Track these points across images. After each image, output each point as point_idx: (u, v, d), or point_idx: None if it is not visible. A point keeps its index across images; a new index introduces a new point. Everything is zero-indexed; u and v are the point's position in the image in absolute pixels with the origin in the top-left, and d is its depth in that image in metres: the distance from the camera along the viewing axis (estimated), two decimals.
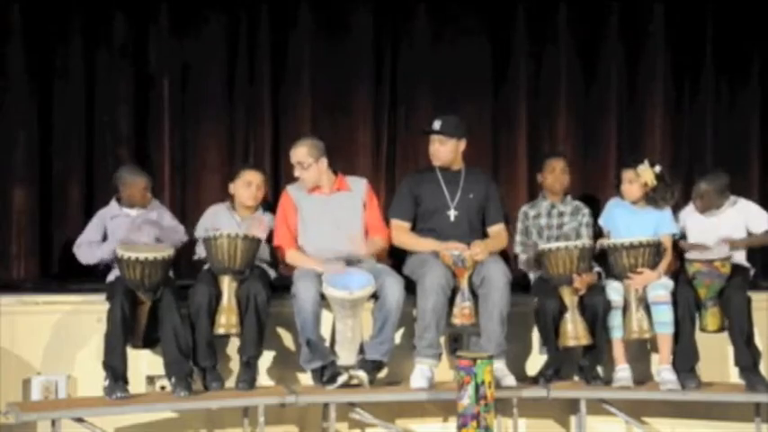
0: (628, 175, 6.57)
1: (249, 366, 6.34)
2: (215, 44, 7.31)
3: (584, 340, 6.38)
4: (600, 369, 6.48)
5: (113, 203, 6.56)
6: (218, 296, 6.30)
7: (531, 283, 6.69)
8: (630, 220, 6.56)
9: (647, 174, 6.52)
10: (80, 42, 7.16)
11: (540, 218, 6.72)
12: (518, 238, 6.79)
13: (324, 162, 6.58)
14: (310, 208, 6.59)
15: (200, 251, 6.50)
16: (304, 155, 6.55)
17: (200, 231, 6.58)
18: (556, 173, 6.78)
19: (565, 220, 6.70)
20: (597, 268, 6.58)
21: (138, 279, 6.17)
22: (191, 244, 6.60)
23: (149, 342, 6.33)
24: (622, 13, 7.59)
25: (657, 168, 6.55)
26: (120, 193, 6.54)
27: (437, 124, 6.62)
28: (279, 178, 7.35)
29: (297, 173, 6.59)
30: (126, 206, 6.53)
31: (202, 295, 6.26)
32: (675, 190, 6.63)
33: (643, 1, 7.61)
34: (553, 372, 6.51)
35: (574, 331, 6.38)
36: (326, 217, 6.55)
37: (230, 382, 6.42)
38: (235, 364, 6.42)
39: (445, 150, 6.64)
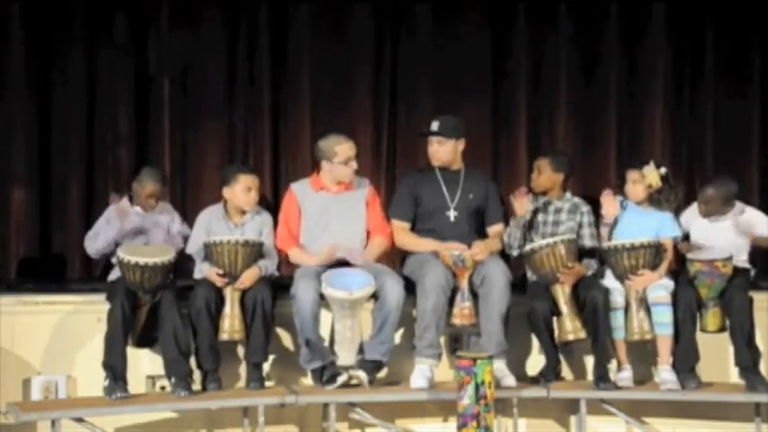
0: (633, 175, 6.56)
1: (258, 367, 6.36)
2: (215, 44, 7.31)
3: (582, 334, 6.39)
4: (607, 369, 6.44)
5: (125, 200, 6.55)
6: (216, 299, 6.30)
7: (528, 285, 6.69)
8: (633, 220, 6.55)
9: (652, 175, 6.51)
10: (80, 42, 7.16)
11: (538, 212, 6.69)
12: (512, 222, 6.64)
13: None
14: (315, 206, 6.58)
15: (198, 270, 6.45)
16: (354, 149, 6.58)
17: (193, 245, 6.50)
18: (533, 174, 6.75)
19: (561, 218, 6.67)
20: (588, 260, 6.57)
21: (137, 282, 6.17)
22: (189, 259, 6.54)
23: (147, 341, 6.33)
24: (622, 12, 7.59)
25: (663, 170, 6.53)
26: (133, 187, 6.54)
27: (435, 125, 6.61)
28: (279, 178, 7.36)
29: (349, 168, 6.53)
30: (137, 205, 6.53)
31: (201, 299, 6.25)
32: (679, 192, 6.64)
33: (643, 0, 7.61)
34: (553, 373, 6.50)
35: (571, 326, 6.38)
36: (330, 216, 6.56)
37: (235, 384, 6.44)
38: (241, 367, 6.43)
39: (444, 151, 6.63)
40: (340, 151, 6.55)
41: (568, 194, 6.75)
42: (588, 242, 6.62)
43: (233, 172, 6.54)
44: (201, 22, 7.29)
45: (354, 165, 6.57)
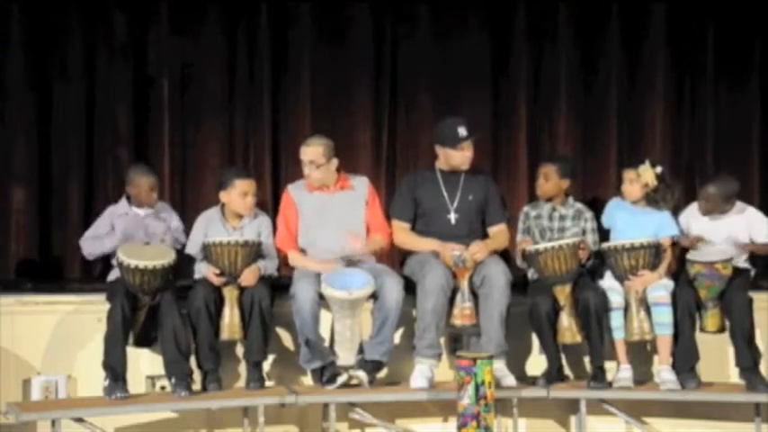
0: (629, 175, 6.57)
1: (257, 367, 6.36)
2: (215, 44, 7.31)
3: (578, 338, 6.41)
4: (601, 368, 6.43)
5: (123, 201, 6.55)
6: (216, 299, 6.30)
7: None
8: (631, 220, 6.55)
9: (647, 174, 6.51)
10: (80, 42, 7.16)
11: (542, 219, 6.69)
12: (519, 237, 6.74)
13: (334, 163, 6.56)
14: (312, 207, 6.58)
15: (197, 270, 6.44)
16: (319, 154, 6.51)
17: (192, 247, 6.50)
18: (539, 180, 6.73)
19: (566, 224, 6.66)
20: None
21: (137, 284, 6.16)
22: (189, 259, 6.55)
23: (146, 341, 6.33)
24: (623, 12, 7.59)
25: (658, 169, 6.54)
26: (128, 191, 6.54)
27: (466, 130, 6.60)
28: (279, 178, 7.35)
29: (306, 171, 6.54)
30: (135, 205, 6.52)
31: (201, 299, 6.25)
32: (676, 191, 6.63)
33: (643, 0, 7.61)
34: (556, 372, 6.49)
35: (569, 328, 6.39)
36: (328, 215, 6.55)
37: (235, 384, 6.44)
38: (241, 366, 6.43)
39: (472, 154, 6.64)
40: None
41: (571, 200, 6.74)
42: (592, 248, 6.61)
43: (229, 177, 6.52)
44: (201, 22, 7.28)
45: (312, 172, 6.49)
